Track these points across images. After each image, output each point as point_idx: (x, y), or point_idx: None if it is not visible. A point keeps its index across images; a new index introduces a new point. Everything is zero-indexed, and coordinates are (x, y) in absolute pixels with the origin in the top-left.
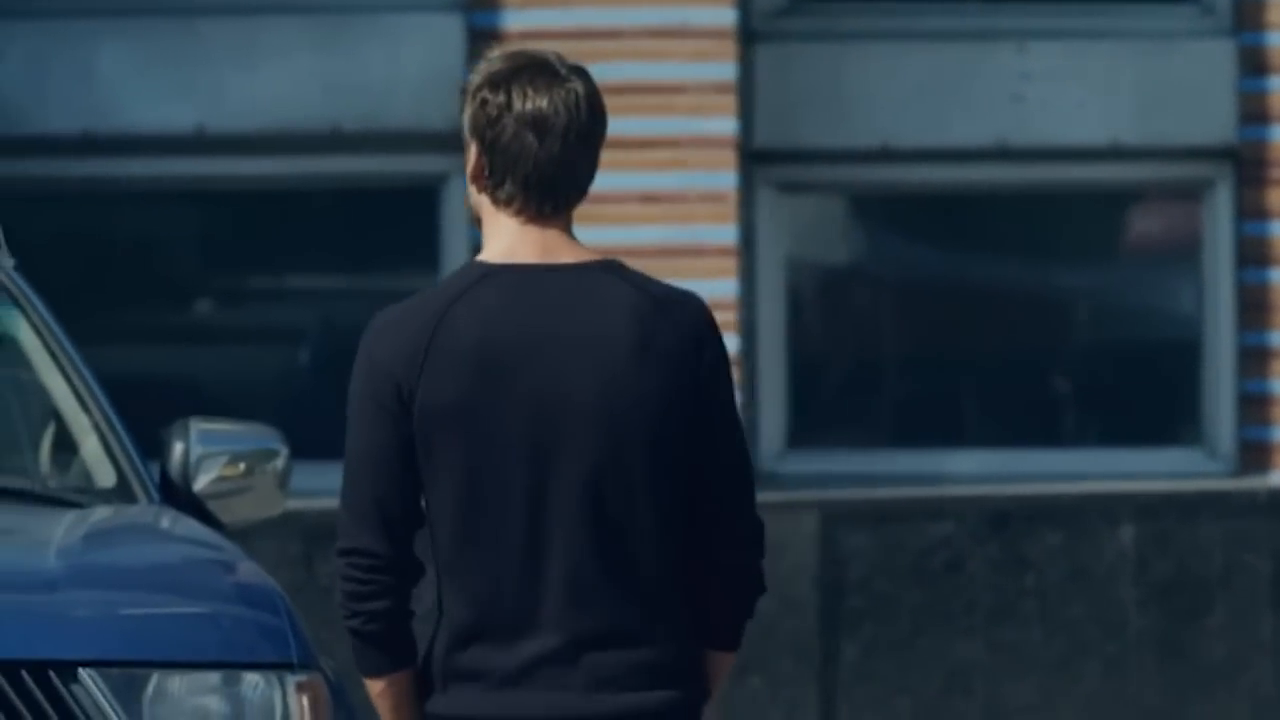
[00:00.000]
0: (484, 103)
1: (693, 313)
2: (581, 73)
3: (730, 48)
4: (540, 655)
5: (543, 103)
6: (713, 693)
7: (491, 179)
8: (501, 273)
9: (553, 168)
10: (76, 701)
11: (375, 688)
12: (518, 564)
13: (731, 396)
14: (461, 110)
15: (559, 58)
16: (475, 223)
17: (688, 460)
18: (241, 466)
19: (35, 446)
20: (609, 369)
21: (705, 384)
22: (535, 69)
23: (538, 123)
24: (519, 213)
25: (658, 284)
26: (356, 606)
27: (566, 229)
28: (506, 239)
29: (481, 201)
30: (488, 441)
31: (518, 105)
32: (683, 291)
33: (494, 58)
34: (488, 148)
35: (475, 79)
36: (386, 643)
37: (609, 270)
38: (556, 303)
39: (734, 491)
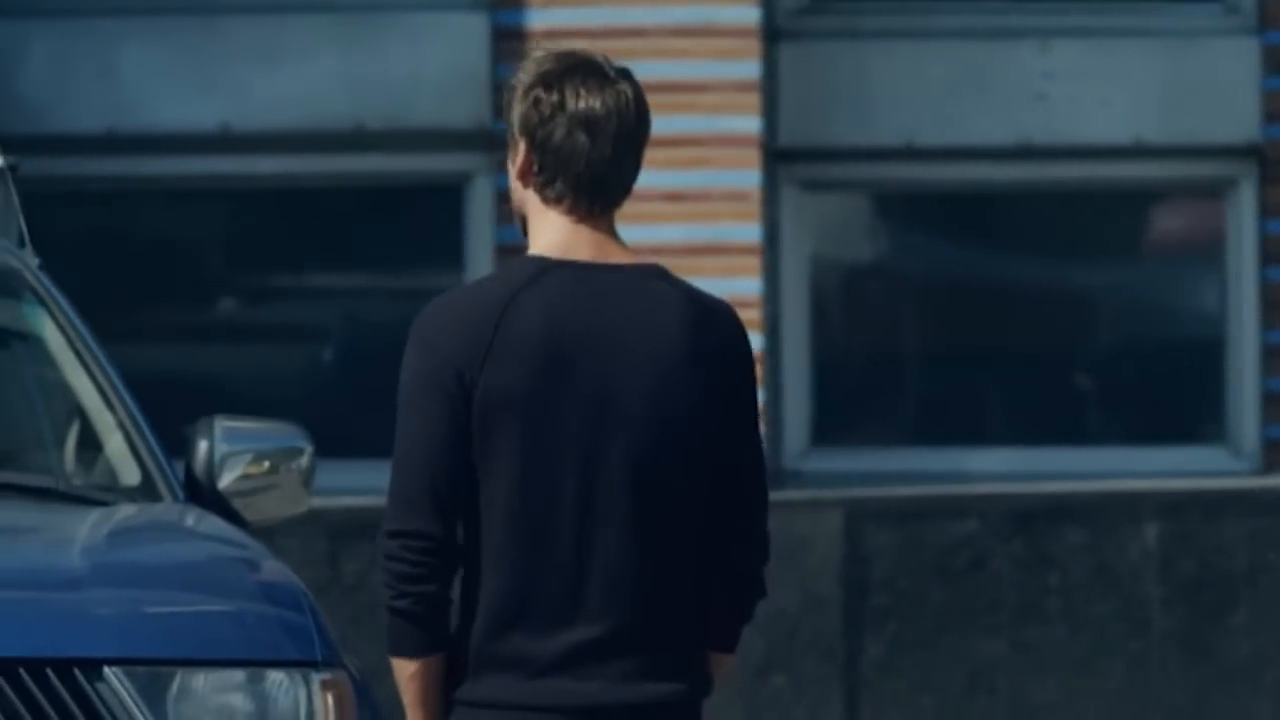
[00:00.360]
0: (536, 101)
1: (732, 321)
2: (628, 75)
3: (754, 46)
4: (576, 646)
5: (595, 103)
6: (710, 692)
7: (541, 177)
8: (561, 268)
9: (604, 168)
10: (101, 700)
11: (408, 669)
12: (563, 554)
13: (757, 405)
14: (508, 108)
15: (606, 59)
16: (519, 219)
17: (716, 465)
18: (266, 464)
19: (60, 444)
20: (661, 371)
21: (741, 392)
22: (587, 69)
23: (590, 123)
24: (569, 211)
25: (696, 290)
26: (407, 588)
27: (612, 228)
28: (558, 236)
29: (528, 198)
30: (545, 432)
31: (571, 105)
32: (717, 299)
33: (542, 57)
34: (538, 146)
35: (525, 77)
36: (430, 625)
37: (656, 274)
38: (613, 302)
39: (753, 499)
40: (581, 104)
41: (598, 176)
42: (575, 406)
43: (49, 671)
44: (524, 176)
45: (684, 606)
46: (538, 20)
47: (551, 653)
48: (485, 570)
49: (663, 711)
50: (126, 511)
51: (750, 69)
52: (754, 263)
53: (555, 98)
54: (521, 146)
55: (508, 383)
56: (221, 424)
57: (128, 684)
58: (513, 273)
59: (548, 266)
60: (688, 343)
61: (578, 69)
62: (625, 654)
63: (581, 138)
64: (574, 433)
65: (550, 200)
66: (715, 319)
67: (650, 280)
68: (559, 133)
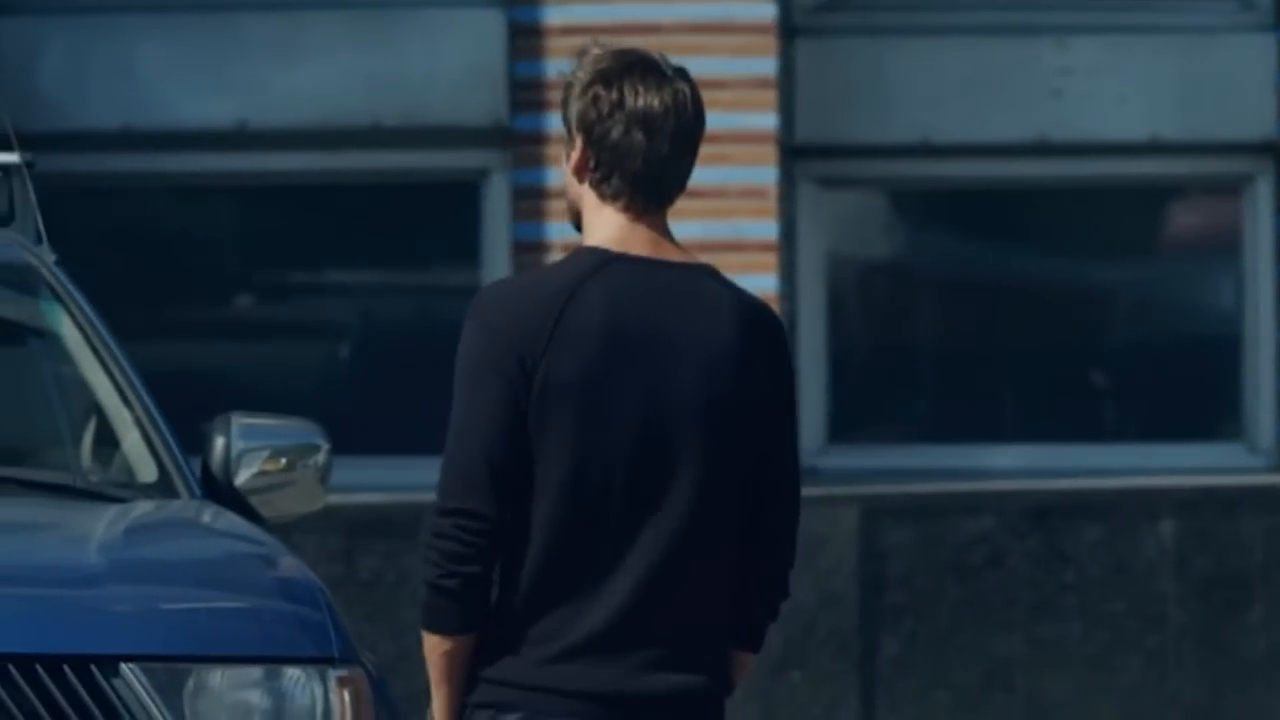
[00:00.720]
0: (596, 98)
1: (777, 325)
2: (685, 74)
3: (771, 43)
4: (608, 629)
5: (653, 101)
6: (733, 691)
7: (598, 173)
8: (621, 261)
9: (660, 166)
10: (118, 696)
11: (442, 645)
12: (605, 541)
13: (796, 408)
14: (565, 104)
15: (663, 57)
16: (571, 213)
17: (755, 464)
18: (283, 461)
19: (77, 441)
20: (715, 369)
21: (782, 394)
22: (645, 67)
23: (648, 121)
24: (626, 208)
25: (744, 291)
26: (456, 567)
27: (666, 225)
28: (614, 230)
29: (584, 193)
30: (602, 422)
31: (629, 102)
32: (763, 302)
33: (601, 54)
34: (595, 143)
35: (583, 74)
36: (471, 605)
37: (709, 273)
38: (669, 298)
39: (787, 500)
40: (640, 102)
41: (654, 174)
42: (633, 398)
43: (66, 668)
44: (580, 172)
45: (715, 602)
46: (554, 16)
47: (579, 636)
48: (529, 551)
49: (685, 703)
50: (143, 508)
51: (767, 65)
52: (770, 259)
53: (614, 95)
54: (579, 143)
55: (568, 371)
56: (238, 420)
57: (144, 680)
58: (574, 264)
59: (608, 259)
60: (738, 343)
61: (636, 66)
62: (650, 642)
63: (639, 135)
64: (628, 422)
65: (606, 196)
66: (763, 322)
67: (703, 279)
68: (617, 130)
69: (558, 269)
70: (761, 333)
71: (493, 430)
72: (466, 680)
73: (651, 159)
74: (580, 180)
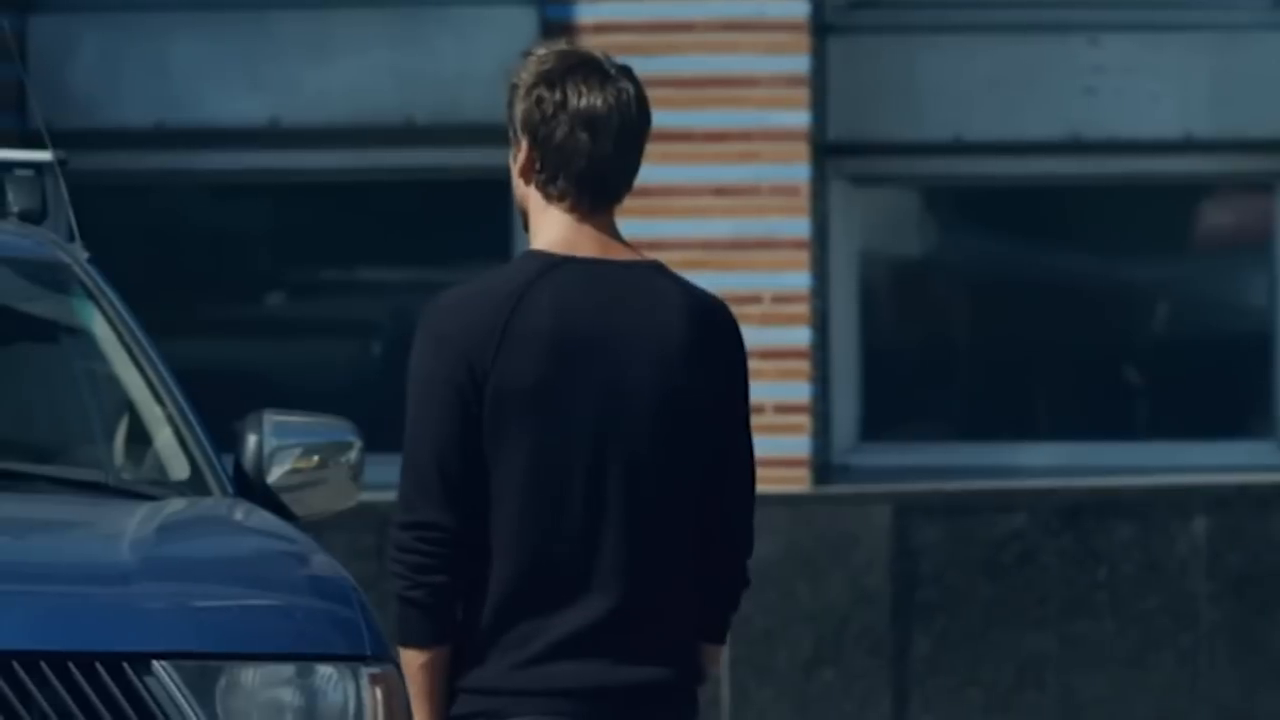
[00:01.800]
0: (539, 100)
1: (729, 318)
2: (629, 72)
3: (803, 40)
4: (577, 631)
5: (596, 101)
6: (704, 681)
7: (543, 174)
8: (568, 264)
9: (604, 165)
10: (150, 693)
11: (418, 660)
12: (570, 542)
13: (749, 400)
14: (509, 105)
15: (607, 56)
16: (521, 214)
17: (711, 456)
18: (315, 459)
19: (109, 438)
20: (666, 365)
21: (736, 386)
22: (588, 67)
23: (592, 121)
24: (571, 209)
25: (694, 286)
26: (421, 579)
27: (613, 224)
28: (560, 232)
29: (529, 194)
30: (556, 424)
31: (572, 103)
32: (713, 295)
33: (544, 55)
34: (540, 144)
35: (526, 76)
36: (441, 615)
37: (657, 270)
38: (620, 297)
39: (743, 491)
40: (583, 102)
41: (599, 174)
42: (585, 399)
43: (98, 665)
44: (525, 174)
45: (680, 594)
46: (586, 14)
47: (554, 637)
48: (494, 558)
49: (659, 693)
50: (175, 506)
51: (799, 63)
52: (803, 257)
53: (558, 96)
54: (524, 144)
55: (519, 376)
56: (271, 418)
57: (176, 678)
58: (520, 269)
59: (554, 262)
60: (690, 338)
61: (579, 67)
62: (623, 638)
63: (583, 136)
64: (583, 424)
65: (552, 197)
66: (714, 316)
67: (653, 276)
68: (561, 131)
69: (504, 274)
70: (713, 326)
71: (445, 440)
72: (447, 695)
73: (596, 158)
74: (526, 182)
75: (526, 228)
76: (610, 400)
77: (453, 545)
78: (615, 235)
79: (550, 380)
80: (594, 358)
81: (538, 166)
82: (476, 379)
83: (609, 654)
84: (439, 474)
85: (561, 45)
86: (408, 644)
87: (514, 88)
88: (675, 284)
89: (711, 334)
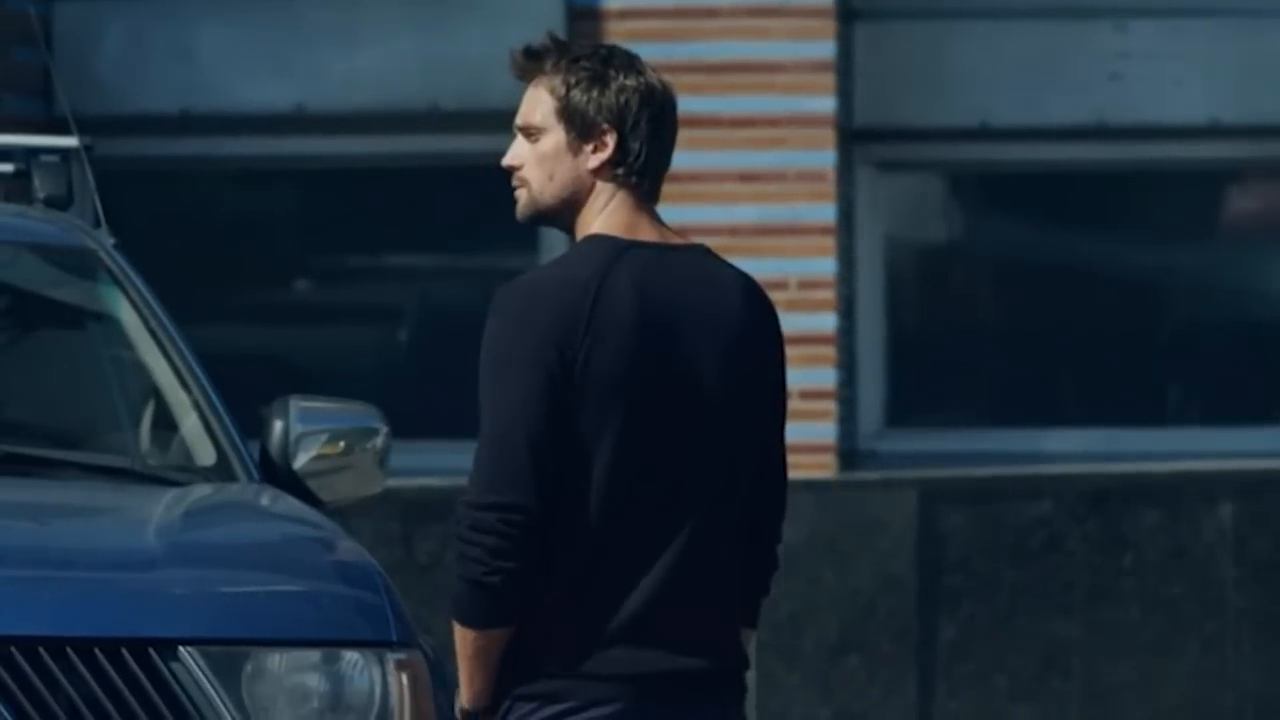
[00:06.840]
0: (621, 90)
1: (769, 299)
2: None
3: (829, 26)
4: (646, 614)
5: (666, 93)
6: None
7: (623, 164)
8: (635, 248)
9: (665, 155)
10: (176, 679)
11: (477, 640)
12: (652, 528)
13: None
14: (565, 99)
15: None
16: (535, 209)
17: (768, 437)
18: (341, 445)
19: (135, 425)
20: (732, 345)
21: (781, 365)
22: (624, 60)
23: (663, 110)
24: (632, 195)
25: (736, 267)
26: (499, 562)
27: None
28: (620, 217)
29: (592, 182)
30: (643, 409)
31: (645, 93)
32: (751, 277)
33: (587, 49)
34: (629, 134)
35: (589, 66)
36: (512, 599)
37: (706, 252)
38: (686, 281)
39: (781, 474)
40: (658, 94)
41: (659, 163)
42: (668, 383)
43: (124, 651)
44: (604, 164)
45: (733, 578)
46: (612, 0)
47: (620, 621)
48: (569, 542)
49: (716, 679)
50: (201, 491)
51: (825, 49)
52: (829, 243)
53: (640, 84)
54: (609, 135)
55: (609, 361)
56: (297, 404)
57: (203, 664)
58: (593, 254)
59: (625, 246)
60: (748, 318)
61: (632, 60)
62: (686, 623)
63: (658, 125)
64: (668, 408)
65: (625, 185)
66: (761, 296)
67: (707, 258)
68: (645, 121)
69: (578, 260)
70: (762, 306)
71: (536, 422)
72: (499, 671)
73: (663, 148)
74: (598, 175)
75: (537, 222)
76: (690, 385)
77: (533, 530)
78: (663, 221)
79: (636, 366)
80: (673, 343)
81: (619, 155)
82: (566, 362)
83: (672, 637)
84: (530, 456)
85: (572, 41)
86: (471, 625)
87: (574, 81)
88: (724, 266)
89: (763, 314)
